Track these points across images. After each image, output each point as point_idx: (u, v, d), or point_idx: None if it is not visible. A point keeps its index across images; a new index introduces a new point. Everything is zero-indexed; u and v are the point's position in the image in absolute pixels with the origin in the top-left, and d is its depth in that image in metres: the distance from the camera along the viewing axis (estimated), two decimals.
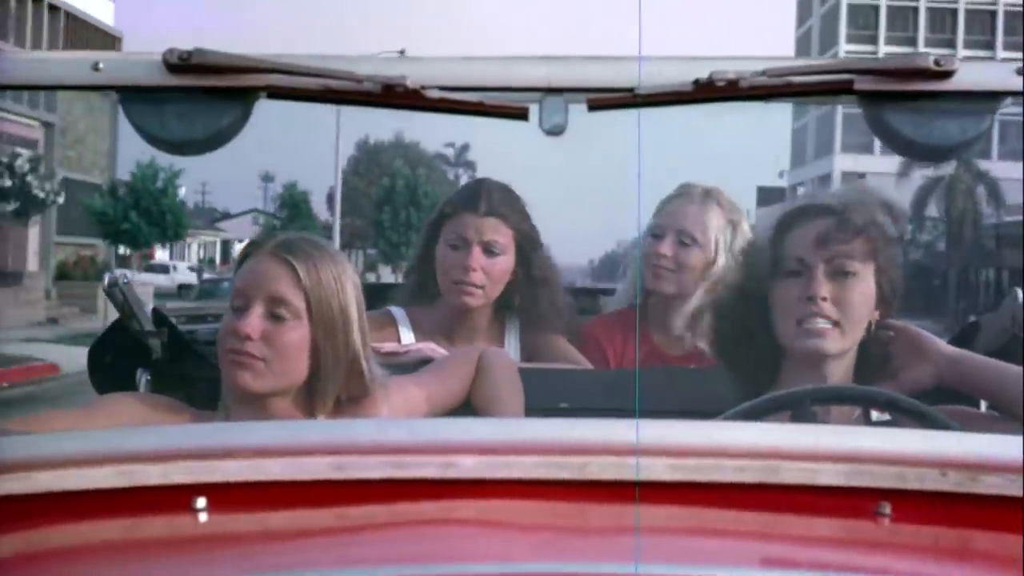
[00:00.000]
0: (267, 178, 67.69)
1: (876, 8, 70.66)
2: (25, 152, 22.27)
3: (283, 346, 1.76)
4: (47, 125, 25.13)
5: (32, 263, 23.22)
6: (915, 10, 70.42)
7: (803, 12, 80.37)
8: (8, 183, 20.74)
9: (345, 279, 1.82)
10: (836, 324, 1.90)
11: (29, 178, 21.13)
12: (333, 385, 1.80)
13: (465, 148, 70.60)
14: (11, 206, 21.08)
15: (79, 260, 25.33)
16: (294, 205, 43.27)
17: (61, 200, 22.33)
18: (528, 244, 2.58)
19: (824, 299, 1.89)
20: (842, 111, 64.89)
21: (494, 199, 2.55)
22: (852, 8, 71.31)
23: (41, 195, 21.39)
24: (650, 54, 1.61)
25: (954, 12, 69.59)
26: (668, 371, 2.54)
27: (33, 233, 23.37)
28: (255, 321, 1.75)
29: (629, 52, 1.63)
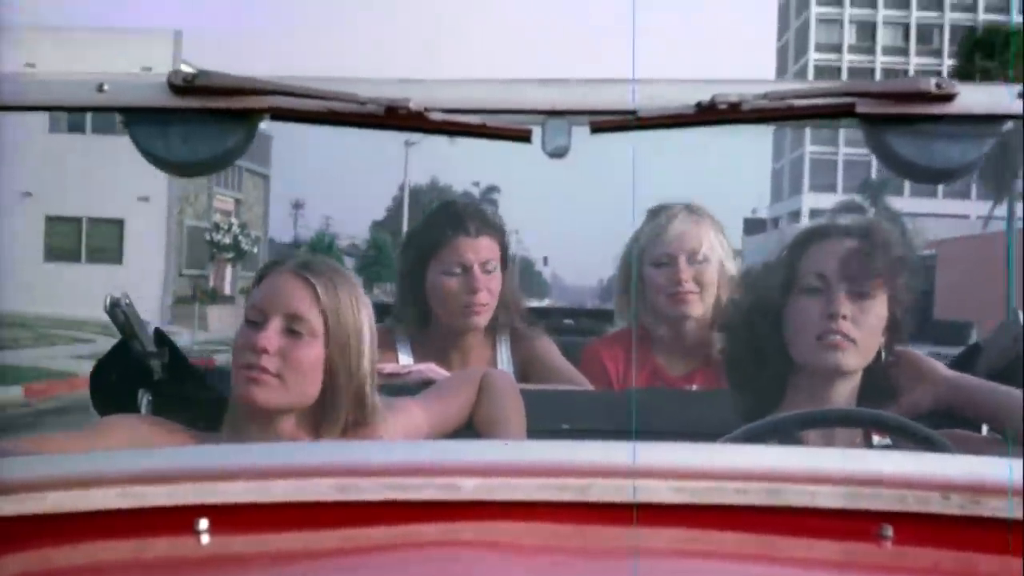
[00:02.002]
0: (297, 205, 71.94)
1: (840, 22, 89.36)
2: (235, 220, 34.31)
3: (297, 362, 1.78)
4: (237, 201, 36.52)
5: (228, 289, 34.71)
6: (873, 24, 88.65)
7: (782, 26, 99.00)
8: (228, 240, 32.54)
9: (361, 303, 1.84)
10: (854, 342, 1.92)
11: (239, 237, 32.87)
12: (341, 409, 1.81)
13: (493, 188, 72.47)
14: (229, 255, 33.14)
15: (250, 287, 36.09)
16: (378, 247, 50.52)
17: (256, 250, 33.71)
18: (508, 253, 2.62)
19: (844, 317, 1.91)
20: (810, 156, 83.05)
21: (480, 219, 2.57)
22: (820, 23, 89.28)
23: (247, 248, 33.02)
24: (646, 72, 1.61)
25: (906, 26, 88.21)
26: (671, 392, 2.53)
27: (227, 270, 35.49)
28: (272, 335, 1.78)
29: (626, 70, 1.64)
